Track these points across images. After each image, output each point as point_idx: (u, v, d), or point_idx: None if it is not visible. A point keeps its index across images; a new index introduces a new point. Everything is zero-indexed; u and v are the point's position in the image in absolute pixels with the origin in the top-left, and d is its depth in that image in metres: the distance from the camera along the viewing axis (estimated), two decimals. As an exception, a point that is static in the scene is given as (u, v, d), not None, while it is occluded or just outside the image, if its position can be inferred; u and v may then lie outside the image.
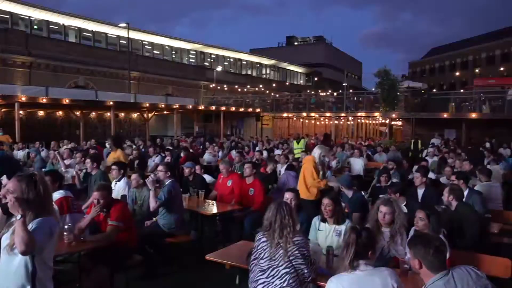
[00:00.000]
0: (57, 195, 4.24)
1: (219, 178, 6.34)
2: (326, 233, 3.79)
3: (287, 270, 2.73)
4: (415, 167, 7.49)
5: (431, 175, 7.02)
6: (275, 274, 2.74)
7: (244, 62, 42.37)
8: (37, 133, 15.90)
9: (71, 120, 20.16)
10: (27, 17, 25.12)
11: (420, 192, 5.44)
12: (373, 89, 24.48)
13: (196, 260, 4.85)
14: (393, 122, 22.60)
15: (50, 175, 4.39)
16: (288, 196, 4.12)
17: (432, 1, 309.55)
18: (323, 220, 3.87)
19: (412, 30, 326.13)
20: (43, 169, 8.00)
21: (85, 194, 5.85)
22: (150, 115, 22.07)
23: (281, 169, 7.96)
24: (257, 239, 2.93)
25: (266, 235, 2.88)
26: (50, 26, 26.17)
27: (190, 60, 36.33)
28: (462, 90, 28.75)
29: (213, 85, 32.89)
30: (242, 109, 25.89)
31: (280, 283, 2.72)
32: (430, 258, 2.21)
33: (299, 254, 2.78)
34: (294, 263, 2.75)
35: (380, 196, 4.43)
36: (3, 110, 17.23)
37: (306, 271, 2.78)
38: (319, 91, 35.15)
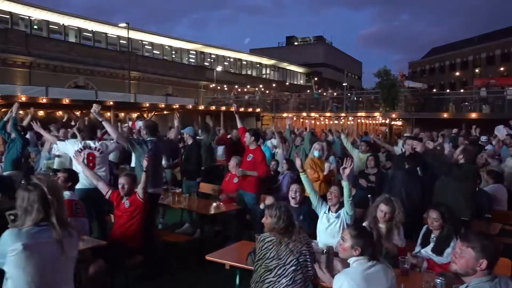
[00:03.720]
0: (61, 196, 4.22)
1: (226, 176, 6.28)
2: (328, 217, 3.95)
3: (294, 267, 2.76)
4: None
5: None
6: (282, 273, 2.76)
7: (244, 62, 42.32)
8: (36, 133, 15.85)
9: (71, 120, 20.11)
10: (27, 17, 25.08)
11: None
12: (372, 85, 24.39)
13: (196, 260, 4.85)
14: (393, 122, 22.59)
15: (68, 173, 4.43)
16: (293, 188, 4.37)
17: (431, 1, 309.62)
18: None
19: (412, 31, 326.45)
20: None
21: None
22: (150, 115, 22.06)
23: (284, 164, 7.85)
24: (261, 239, 2.93)
25: (274, 235, 2.90)
26: (50, 26, 26.13)
27: (190, 60, 36.28)
28: (462, 90, 28.72)
29: (213, 85, 32.84)
30: (242, 109, 25.88)
31: (287, 281, 2.74)
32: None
33: (305, 252, 2.83)
34: (300, 260, 2.79)
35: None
36: (3, 110, 17.20)
37: (310, 267, 2.83)
38: (319, 89, 35.08)
